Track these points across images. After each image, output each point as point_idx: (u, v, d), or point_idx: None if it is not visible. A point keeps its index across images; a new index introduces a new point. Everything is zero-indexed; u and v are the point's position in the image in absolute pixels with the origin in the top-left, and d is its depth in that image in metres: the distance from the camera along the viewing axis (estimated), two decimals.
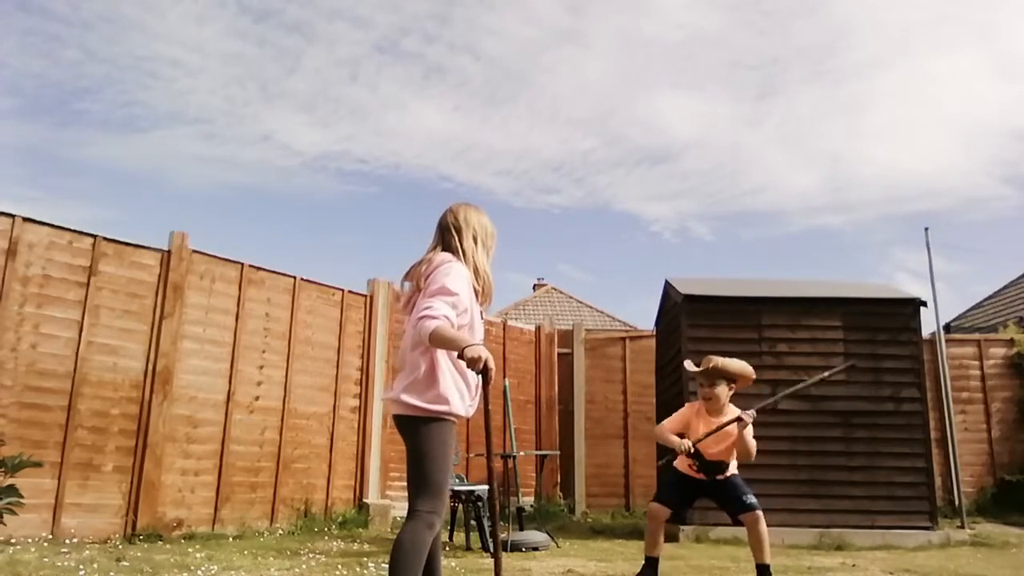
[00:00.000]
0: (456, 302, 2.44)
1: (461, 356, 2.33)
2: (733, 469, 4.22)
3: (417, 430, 2.46)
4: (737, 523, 4.13)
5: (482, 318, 2.74)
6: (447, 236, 2.68)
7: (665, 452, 4.47)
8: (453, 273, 2.50)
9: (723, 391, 4.24)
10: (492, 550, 2.46)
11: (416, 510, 2.40)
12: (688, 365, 4.64)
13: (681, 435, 4.20)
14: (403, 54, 33.23)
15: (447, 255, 2.60)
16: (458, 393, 2.51)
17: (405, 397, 2.46)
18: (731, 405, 4.27)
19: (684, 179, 41.19)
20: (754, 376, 4.34)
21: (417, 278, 2.57)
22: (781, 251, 40.40)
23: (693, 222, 43.54)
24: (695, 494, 4.27)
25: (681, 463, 4.29)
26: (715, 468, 4.19)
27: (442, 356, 2.48)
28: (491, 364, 2.35)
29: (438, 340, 2.35)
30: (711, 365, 4.21)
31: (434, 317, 2.34)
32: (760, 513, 3.99)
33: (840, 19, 30.42)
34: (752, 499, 4.04)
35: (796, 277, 8.90)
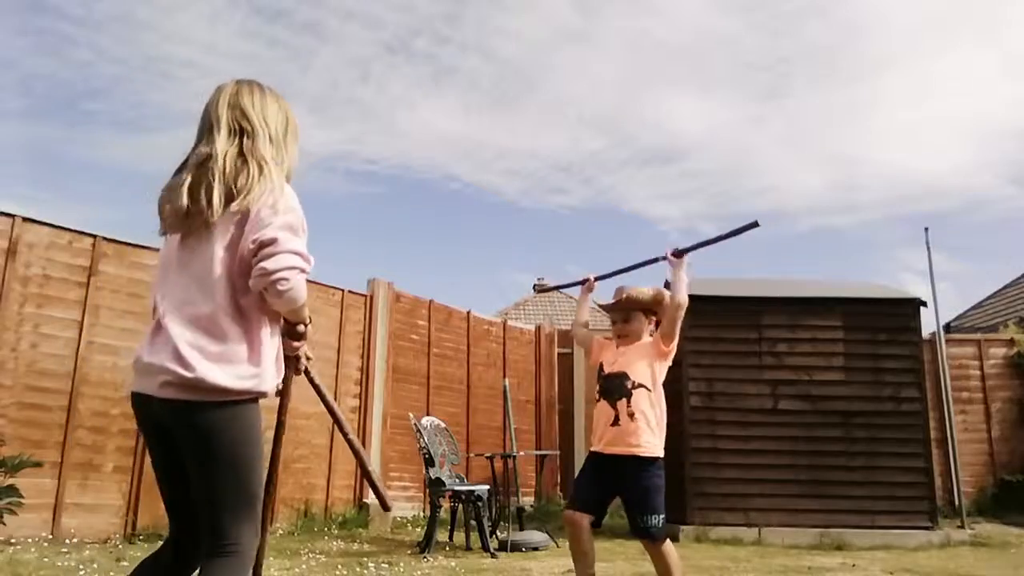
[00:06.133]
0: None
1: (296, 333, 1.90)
2: (649, 448, 3.16)
3: (214, 420, 1.72)
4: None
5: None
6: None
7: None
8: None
9: (640, 326, 3.40)
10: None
11: (226, 537, 1.71)
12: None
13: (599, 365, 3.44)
14: (414, 54, 33.22)
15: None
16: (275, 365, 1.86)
17: (206, 372, 1.69)
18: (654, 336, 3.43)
19: (692, 179, 41.18)
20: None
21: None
22: (787, 251, 40.37)
23: (700, 222, 43.53)
24: (609, 486, 3.24)
25: (594, 435, 3.40)
26: (618, 388, 3.25)
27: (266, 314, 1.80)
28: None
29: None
30: (623, 296, 3.42)
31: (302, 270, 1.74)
32: (660, 545, 3.09)
33: (848, 19, 30.40)
34: (654, 522, 3.06)
35: (797, 277, 8.90)
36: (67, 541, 5.40)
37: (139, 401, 1.80)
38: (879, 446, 7.16)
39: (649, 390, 3.22)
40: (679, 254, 3.36)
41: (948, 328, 14.04)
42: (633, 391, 3.21)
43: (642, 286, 3.46)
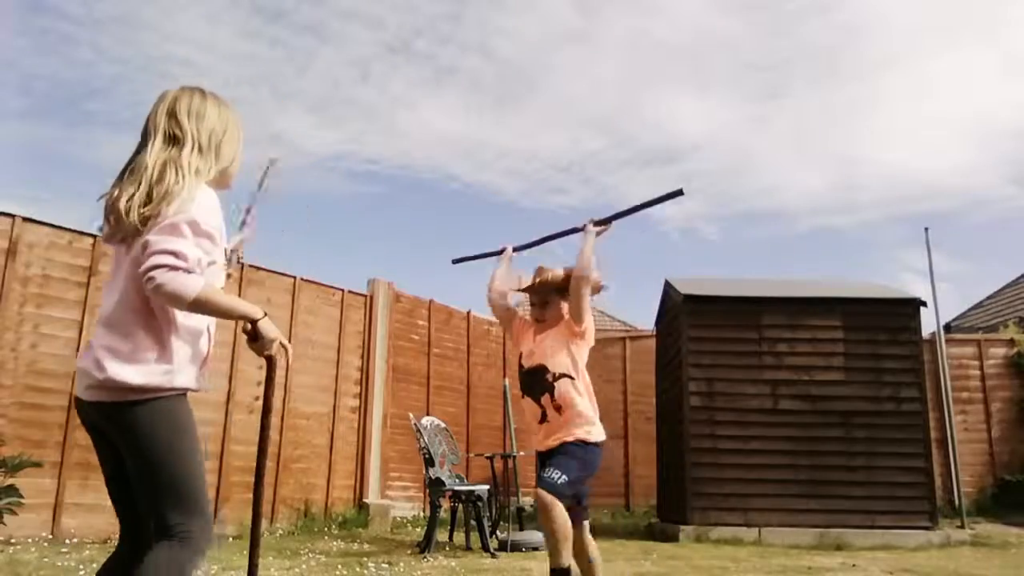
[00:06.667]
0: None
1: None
2: (585, 437, 2.95)
3: (137, 418, 1.77)
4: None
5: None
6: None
7: None
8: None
9: (558, 310, 3.14)
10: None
11: (170, 524, 1.74)
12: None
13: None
14: (414, 54, 33.21)
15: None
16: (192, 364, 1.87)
17: (116, 371, 1.74)
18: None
19: (693, 179, 41.16)
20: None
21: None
22: (787, 251, 40.33)
23: (700, 222, 43.46)
24: None
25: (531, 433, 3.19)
26: (539, 383, 3.03)
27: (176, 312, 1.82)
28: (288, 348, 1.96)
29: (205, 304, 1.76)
30: (538, 280, 3.16)
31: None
32: (546, 496, 2.76)
33: (848, 20, 30.39)
34: (551, 474, 2.82)
35: (797, 277, 8.91)
36: (67, 541, 5.40)
37: (77, 405, 1.89)
38: (879, 446, 7.16)
39: (572, 378, 2.99)
40: (599, 223, 3.11)
41: (948, 328, 14.04)
42: (555, 383, 2.98)
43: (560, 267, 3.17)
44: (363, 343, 8.17)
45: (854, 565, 5.48)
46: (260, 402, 7.08)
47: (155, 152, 1.83)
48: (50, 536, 5.46)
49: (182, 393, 1.85)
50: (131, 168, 1.85)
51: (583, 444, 2.92)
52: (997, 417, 9.99)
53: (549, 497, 2.75)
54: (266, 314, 1.92)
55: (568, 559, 2.80)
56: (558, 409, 2.96)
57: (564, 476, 2.81)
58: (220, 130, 1.94)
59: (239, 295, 6.95)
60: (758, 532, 6.89)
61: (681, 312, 7.62)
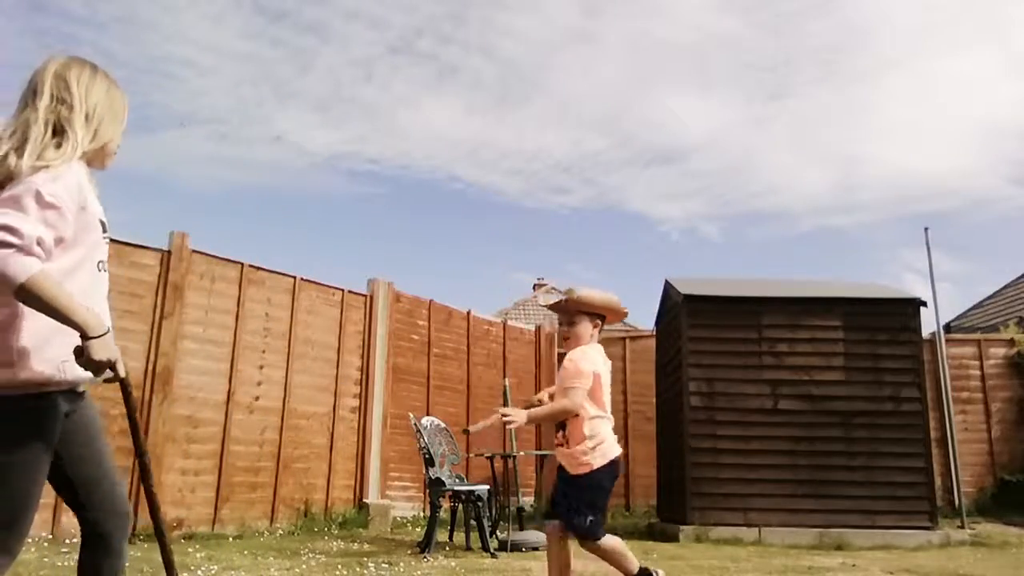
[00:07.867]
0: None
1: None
2: (586, 468, 3.16)
3: None
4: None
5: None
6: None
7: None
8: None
9: (584, 329, 3.34)
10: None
11: None
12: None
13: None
14: (417, 54, 33.24)
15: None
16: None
17: None
18: (597, 345, 3.35)
19: (694, 179, 41.18)
20: (625, 311, 3.48)
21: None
22: (789, 251, 40.39)
23: (701, 222, 43.51)
24: None
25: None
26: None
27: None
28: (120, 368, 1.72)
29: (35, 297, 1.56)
30: (567, 299, 3.38)
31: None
32: (585, 543, 3.13)
33: (852, 20, 30.41)
34: (576, 521, 3.11)
35: (797, 277, 8.91)
36: (67, 541, 5.40)
37: None
38: (879, 446, 7.16)
39: (577, 415, 3.18)
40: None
41: (948, 328, 14.05)
42: (567, 422, 3.21)
43: (593, 289, 3.39)
44: (363, 343, 8.17)
45: (854, 565, 5.48)
46: (260, 402, 7.10)
47: (45, 109, 1.73)
48: (50, 536, 5.46)
49: (35, 392, 1.65)
50: (14, 124, 1.72)
51: (588, 474, 3.18)
52: (997, 417, 9.99)
53: (586, 542, 3.12)
54: (108, 331, 1.66)
55: (635, 564, 3.14)
56: (566, 442, 3.24)
57: (586, 516, 3.12)
58: (105, 106, 1.85)
59: (239, 295, 6.95)
60: (758, 532, 6.89)
61: (681, 312, 7.62)
